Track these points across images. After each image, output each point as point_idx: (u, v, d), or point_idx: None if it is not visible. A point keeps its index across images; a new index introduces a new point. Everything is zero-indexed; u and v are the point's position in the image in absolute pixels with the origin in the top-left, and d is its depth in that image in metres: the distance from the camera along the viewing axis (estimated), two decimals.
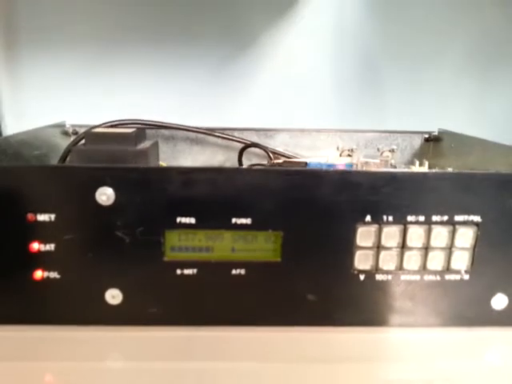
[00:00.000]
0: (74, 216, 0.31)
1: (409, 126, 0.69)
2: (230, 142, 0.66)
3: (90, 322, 0.33)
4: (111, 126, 0.60)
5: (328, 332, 0.34)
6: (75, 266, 0.32)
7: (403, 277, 0.33)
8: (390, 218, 0.32)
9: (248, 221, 0.32)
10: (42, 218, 0.31)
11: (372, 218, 0.32)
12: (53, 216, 0.31)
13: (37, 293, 0.33)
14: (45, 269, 0.32)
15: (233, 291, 0.33)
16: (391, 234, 0.32)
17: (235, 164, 0.66)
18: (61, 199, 0.31)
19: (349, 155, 0.62)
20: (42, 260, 0.32)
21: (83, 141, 0.57)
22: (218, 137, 0.63)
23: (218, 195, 0.31)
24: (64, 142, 0.66)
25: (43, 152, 0.58)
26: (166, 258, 0.32)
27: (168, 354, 0.32)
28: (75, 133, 0.67)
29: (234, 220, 0.32)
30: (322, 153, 0.68)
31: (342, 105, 0.78)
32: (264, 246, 0.33)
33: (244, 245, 0.33)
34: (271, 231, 0.32)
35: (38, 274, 0.32)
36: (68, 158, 0.58)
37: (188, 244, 0.32)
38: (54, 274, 0.32)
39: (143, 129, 0.58)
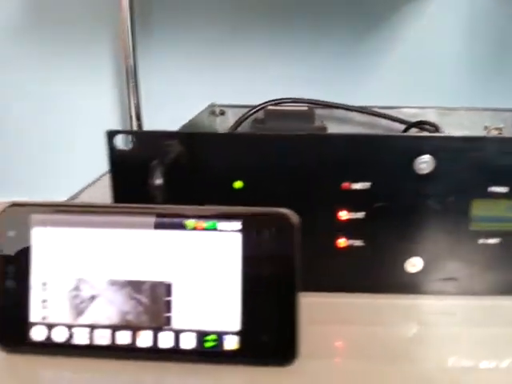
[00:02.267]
0: (389, 184, 0.32)
1: None
2: (375, 120, 0.66)
3: (387, 289, 0.34)
4: (275, 104, 0.60)
5: None
6: (381, 234, 0.33)
7: None
8: None
9: None
10: (357, 186, 0.32)
11: None
12: (368, 184, 0.32)
13: (339, 260, 0.33)
14: (349, 237, 0.33)
15: None
16: None
17: None
18: (379, 168, 0.32)
19: (499, 134, 0.62)
20: (348, 228, 0.33)
21: (251, 119, 0.58)
22: (383, 117, 0.63)
23: None
24: (211, 122, 0.66)
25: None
26: (471, 227, 0.33)
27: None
28: (222, 113, 0.67)
29: None
30: (466, 132, 0.68)
31: (474, 87, 0.77)
32: None
33: None
34: None
35: (342, 241, 0.33)
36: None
37: (492, 214, 0.33)
38: (358, 242, 0.33)
39: (312, 107, 0.59)
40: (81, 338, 0.26)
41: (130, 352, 0.26)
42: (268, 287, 0.25)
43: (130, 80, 0.71)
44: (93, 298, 0.26)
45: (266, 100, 0.61)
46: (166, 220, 0.26)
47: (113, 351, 0.26)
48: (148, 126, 0.75)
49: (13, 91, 0.78)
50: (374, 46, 0.77)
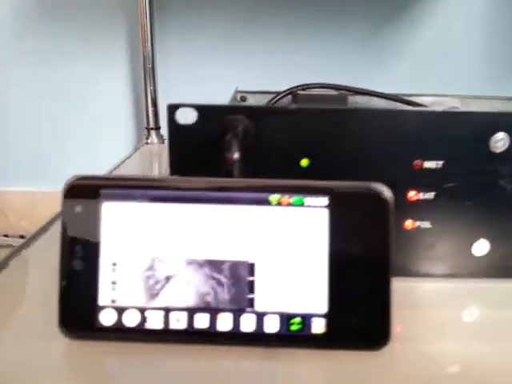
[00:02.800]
0: (462, 163, 0.31)
1: None
2: (399, 107, 0.65)
3: (452, 273, 0.33)
4: (302, 89, 0.59)
5: None
6: (449, 215, 0.32)
7: None
8: None
9: None
10: (428, 165, 0.31)
11: None
12: (440, 163, 0.31)
13: (405, 243, 0.32)
14: (417, 218, 0.32)
15: None
16: None
17: None
18: (453, 145, 0.30)
19: None
20: (416, 209, 0.31)
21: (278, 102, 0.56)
22: (412, 105, 0.62)
23: None
24: None
25: None
26: None
27: None
28: (243, 99, 0.65)
29: None
30: None
31: (494, 74, 0.77)
32: None
33: None
34: None
35: (409, 223, 0.32)
36: None
37: None
38: (425, 224, 0.32)
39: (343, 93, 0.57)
40: (155, 322, 0.24)
41: (209, 336, 0.24)
42: (357, 267, 0.24)
43: (147, 65, 0.69)
44: (168, 278, 0.24)
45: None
46: (248, 195, 0.24)
47: (190, 336, 0.24)
48: (164, 112, 0.73)
49: (24, 82, 0.75)
50: (392, 35, 0.76)
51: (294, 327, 0.24)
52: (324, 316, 0.24)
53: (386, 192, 0.24)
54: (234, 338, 0.24)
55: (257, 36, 0.76)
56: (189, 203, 0.24)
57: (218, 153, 0.28)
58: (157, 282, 0.24)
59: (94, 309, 0.24)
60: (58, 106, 0.75)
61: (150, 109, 0.71)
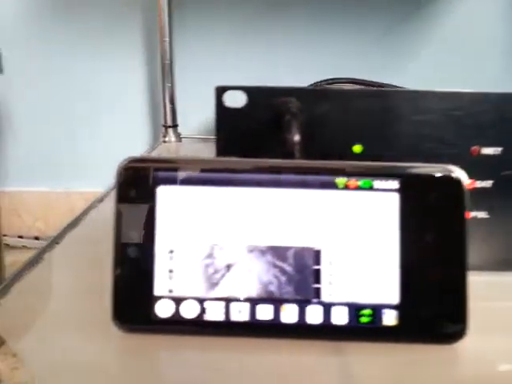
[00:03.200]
0: None
1: None
2: None
3: (509, 266, 0.31)
4: (327, 84, 0.58)
5: None
6: (507, 204, 0.30)
7: None
8: None
9: None
10: (486, 151, 0.29)
11: None
12: (499, 149, 0.29)
13: None
14: (473, 208, 0.30)
15: None
16: None
17: None
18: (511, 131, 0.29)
19: None
20: (473, 198, 0.30)
21: None
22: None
23: None
24: None
25: None
26: None
27: None
28: None
29: None
30: None
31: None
32: None
33: None
34: None
35: None
36: None
37: None
38: (482, 214, 0.30)
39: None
40: (214, 313, 0.22)
41: (273, 329, 0.22)
42: (431, 255, 0.22)
43: (165, 61, 0.68)
44: (229, 266, 0.22)
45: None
46: (313, 177, 0.22)
47: (252, 328, 0.22)
48: (181, 109, 0.71)
49: (39, 81, 0.74)
50: (411, 31, 0.75)
51: (363, 319, 0.22)
52: (396, 307, 0.22)
53: (461, 174, 0.22)
54: (300, 330, 0.22)
55: (269, 33, 0.75)
56: (250, 186, 0.23)
57: (270, 136, 0.27)
58: (216, 271, 0.22)
59: (150, 299, 0.22)
60: (73, 104, 0.74)
61: (168, 106, 0.70)
